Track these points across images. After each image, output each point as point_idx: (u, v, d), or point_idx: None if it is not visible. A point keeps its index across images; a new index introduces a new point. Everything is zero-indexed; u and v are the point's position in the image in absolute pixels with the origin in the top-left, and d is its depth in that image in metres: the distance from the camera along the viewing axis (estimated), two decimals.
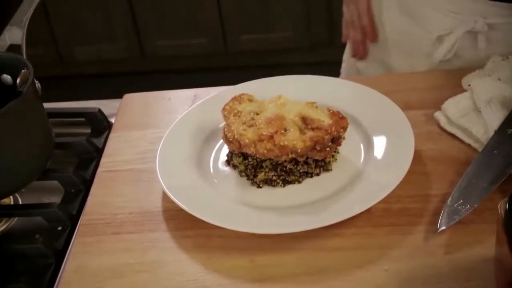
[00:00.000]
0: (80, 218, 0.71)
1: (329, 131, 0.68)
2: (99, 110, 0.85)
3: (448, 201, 0.64)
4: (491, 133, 0.70)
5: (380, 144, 0.72)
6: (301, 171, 0.69)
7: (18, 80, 0.68)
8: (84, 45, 2.39)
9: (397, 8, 0.93)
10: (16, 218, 0.75)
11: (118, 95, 0.91)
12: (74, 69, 2.41)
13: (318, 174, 0.70)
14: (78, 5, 2.30)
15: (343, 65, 1.08)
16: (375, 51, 0.99)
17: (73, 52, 2.41)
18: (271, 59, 2.21)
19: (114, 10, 2.31)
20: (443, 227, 0.62)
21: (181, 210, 0.66)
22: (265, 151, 0.67)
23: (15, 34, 0.78)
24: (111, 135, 0.82)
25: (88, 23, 2.34)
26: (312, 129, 0.68)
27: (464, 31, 0.86)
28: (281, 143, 0.66)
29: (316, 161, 0.70)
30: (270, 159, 0.68)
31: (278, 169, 0.69)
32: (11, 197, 0.77)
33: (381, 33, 0.96)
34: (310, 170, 0.70)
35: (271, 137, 0.67)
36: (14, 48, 0.77)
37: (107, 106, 0.87)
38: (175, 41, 2.32)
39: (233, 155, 0.72)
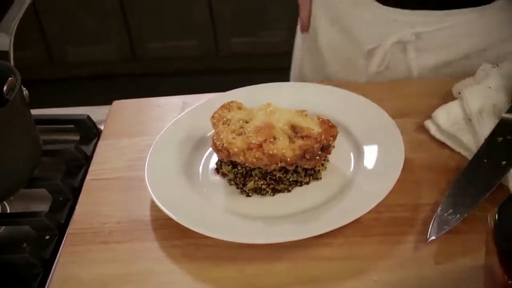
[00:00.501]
0: (68, 227, 0.70)
1: (319, 139, 0.68)
2: (88, 117, 0.85)
3: (438, 210, 0.64)
4: (481, 141, 0.70)
5: (370, 152, 0.71)
6: (290, 179, 0.69)
7: (4, 88, 0.68)
8: (75, 46, 2.38)
9: (329, 23, 0.93)
10: (3, 227, 0.74)
11: (109, 97, 0.90)
12: (64, 70, 2.40)
13: (307, 183, 0.70)
14: (69, 6, 2.29)
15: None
16: (315, 60, 0.99)
17: (63, 54, 2.40)
18: (263, 63, 2.21)
19: (105, 11, 2.30)
20: (433, 237, 0.62)
21: (170, 219, 0.65)
22: (254, 160, 0.66)
23: (2, 40, 0.77)
24: (100, 143, 0.81)
25: (79, 25, 2.34)
26: (302, 137, 0.68)
27: (392, 42, 0.86)
28: (270, 152, 0.66)
29: (305, 169, 0.69)
30: (259, 167, 0.68)
31: (268, 178, 0.69)
32: None
33: (318, 45, 0.97)
34: (299, 179, 0.69)
35: (260, 145, 0.67)
36: (1, 54, 0.76)
37: (96, 112, 0.86)
38: (167, 43, 2.31)
39: (222, 163, 0.71)
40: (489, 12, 0.84)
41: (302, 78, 1.02)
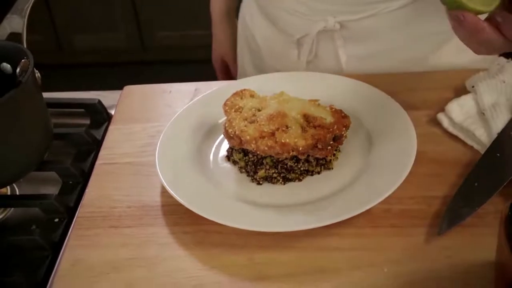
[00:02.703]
0: (78, 210, 0.70)
1: (331, 129, 0.67)
2: (99, 102, 0.85)
3: (450, 204, 0.64)
4: (494, 135, 0.70)
5: (382, 144, 0.71)
6: (301, 169, 0.69)
7: (18, 69, 0.68)
8: (84, 34, 2.38)
9: (260, 16, 0.94)
10: (12, 209, 0.74)
11: (117, 85, 0.90)
12: (73, 57, 2.40)
13: (319, 173, 0.70)
14: None
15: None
16: (250, 58, 1.00)
17: (72, 41, 2.40)
18: None
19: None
20: (444, 230, 0.61)
21: (180, 205, 0.65)
22: (266, 148, 0.66)
23: (15, 22, 0.76)
24: (111, 127, 0.81)
25: (89, 12, 2.33)
26: (314, 127, 0.68)
27: (317, 31, 0.87)
28: (283, 140, 0.66)
29: (317, 159, 0.69)
30: (270, 156, 0.68)
31: (279, 167, 0.68)
32: (8, 187, 0.76)
33: (254, 41, 0.98)
34: (311, 168, 0.69)
35: (272, 134, 0.67)
36: (14, 36, 0.76)
37: (107, 97, 0.86)
38: (176, 32, 2.31)
39: (234, 151, 0.71)
40: (412, 4, 0.83)
41: (243, 74, 1.04)
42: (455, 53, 0.87)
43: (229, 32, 1.09)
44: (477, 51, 0.63)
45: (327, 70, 0.86)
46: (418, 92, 0.80)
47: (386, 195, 0.63)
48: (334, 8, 0.84)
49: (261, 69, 0.98)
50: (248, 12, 0.98)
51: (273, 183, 0.69)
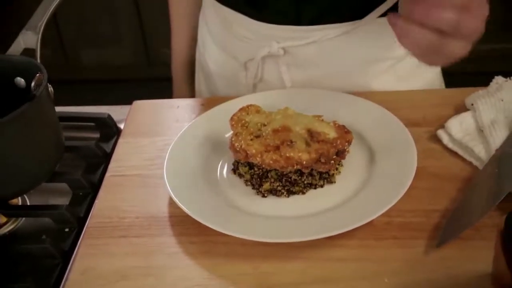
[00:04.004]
0: (88, 220, 0.72)
1: (334, 144, 0.70)
2: (109, 116, 0.87)
3: (449, 217, 0.66)
4: (493, 152, 0.72)
5: (383, 159, 0.73)
6: (305, 182, 0.71)
7: (32, 84, 0.70)
8: (91, 50, 2.41)
9: (212, 42, 0.97)
10: (24, 219, 0.76)
11: (123, 101, 0.92)
12: (80, 73, 2.43)
13: (322, 186, 0.72)
14: (86, 10, 2.32)
15: None
16: (205, 83, 1.03)
17: (80, 57, 2.43)
18: None
19: (121, 15, 2.33)
20: (443, 242, 0.63)
21: (187, 216, 0.67)
22: (271, 162, 0.68)
23: (29, 38, 0.79)
24: (120, 141, 0.84)
25: (96, 28, 2.36)
26: (318, 141, 0.70)
27: (262, 56, 0.89)
28: (287, 155, 0.68)
29: (320, 173, 0.71)
30: (275, 169, 0.70)
31: (283, 180, 0.71)
32: (19, 197, 0.79)
33: (207, 66, 1.00)
34: (314, 182, 0.71)
35: (277, 148, 0.69)
36: (28, 52, 0.78)
37: (116, 112, 0.89)
38: None
39: (240, 164, 0.73)
40: (352, 32, 0.85)
41: (198, 94, 1.07)
42: (396, 82, 0.90)
43: (189, 89, 1.11)
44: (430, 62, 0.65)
45: None
46: (419, 109, 0.82)
47: (387, 208, 0.65)
48: (277, 34, 0.87)
49: (214, 92, 1.01)
50: (201, 40, 1.01)
51: (278, 195, 0.71)
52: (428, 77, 0.95)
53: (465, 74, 1.31)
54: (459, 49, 0.61)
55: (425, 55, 0.63)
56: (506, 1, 2.04)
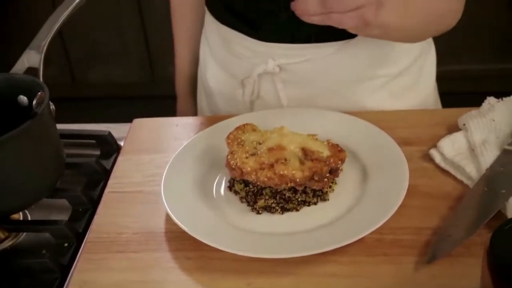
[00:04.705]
0: (86, 235, 0.74)
1: (328, 162, 0.71)
2: (109, 133, 0.89)
3: (439, 234, 0.67)
4: (483, 171, 0.74)
5: (376, 177, 0.75)
6: (299, 199, 0.72)
7: (34, 102, 0.71)
8: (97, 68, 2.44)
9: (213, 60, 0.99)
10: (24, 234, 0.78)
11: (128, 118, 0.94)
12: (86, 91, 2.46)
13: (315, 203, 0.73)
14: (92, 29, 2.35)
15: None
16: (206, 100, 1.05)
17: (86, 74, 2.46)
18: None
19: (127, 34, 2.36)
20: (433, 259, 0.64)
21: (184, 232, 0.69)
22: (265, 179, 0.70)
23: (33, 57, 0.81)
24: (120, 158, 0.85)
25: (102, 47, 2.39)
26: (312, 160, 0.71)
27: (258, 73, 0.91)
28: (281, 172, 0.70)
29: (314, 190, 0.73)
30: (270, 187, 0.71)
31: (278, 197, 0.72)
32: (20, 213, 0.80)
33: (207, 84, 1.02)
34: (308, 199, 0.73)
35: (271, 166, 0.71)
36: (31, 71, 0.80)
37: (116, 129, 0.91)
38: None
39: (235, 181, 0.75)
40: (346, 50, 0.87)
41: (200, 110, 1.09)
42: (390, 99, 0.92)
43: (192, 103, 1.13)
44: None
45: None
46: (412, 129, 0.84)
47: (378, 225, 0.67)
48: (273, 51, 0.89)
49: (215, 109, 1.03)
50: (202, 58, 1.03)
51: (272, 212, 0.73)
52: (423, 94, 0.97)
53: (462, 94, 1.33)
54: (347, 19, 0.68)
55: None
56: (500, 25, 2.06)
